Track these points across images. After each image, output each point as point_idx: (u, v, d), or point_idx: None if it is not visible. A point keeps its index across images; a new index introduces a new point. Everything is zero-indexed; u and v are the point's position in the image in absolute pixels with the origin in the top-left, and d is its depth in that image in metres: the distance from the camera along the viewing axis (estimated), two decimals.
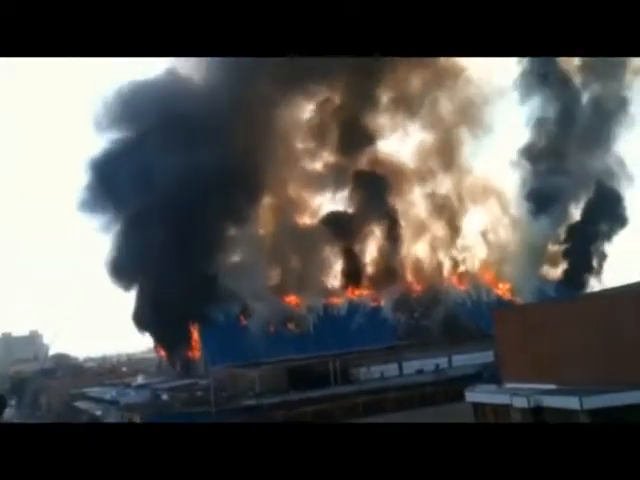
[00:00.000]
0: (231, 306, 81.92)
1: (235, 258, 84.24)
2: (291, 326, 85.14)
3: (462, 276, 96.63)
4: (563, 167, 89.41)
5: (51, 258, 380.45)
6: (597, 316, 28.53)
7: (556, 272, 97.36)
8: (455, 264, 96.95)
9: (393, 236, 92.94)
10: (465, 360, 60.13)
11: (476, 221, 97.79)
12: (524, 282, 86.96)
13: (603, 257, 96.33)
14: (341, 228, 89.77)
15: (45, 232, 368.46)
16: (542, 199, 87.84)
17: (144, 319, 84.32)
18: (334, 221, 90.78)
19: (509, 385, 31.82)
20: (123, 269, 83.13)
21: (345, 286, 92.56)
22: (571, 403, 26.89)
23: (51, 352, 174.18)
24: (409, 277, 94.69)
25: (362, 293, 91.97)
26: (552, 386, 28.84)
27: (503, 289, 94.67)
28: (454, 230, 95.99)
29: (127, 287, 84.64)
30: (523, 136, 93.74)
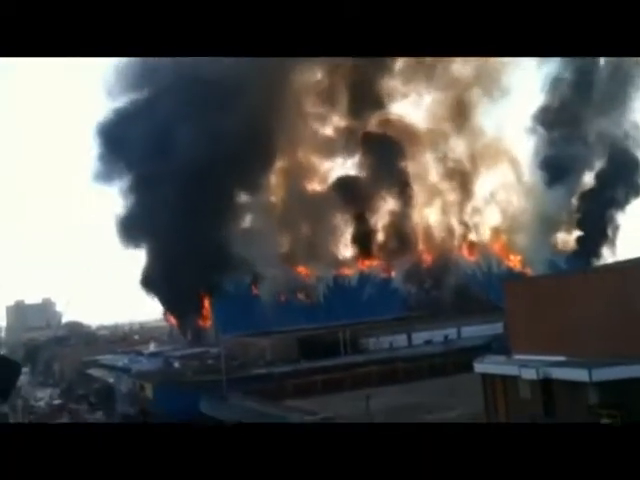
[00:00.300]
0: (242, 275, 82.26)
1: (246, 226, 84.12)
2: (302, 296, 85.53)
3: (473, 246, 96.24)
4: (578, 134, 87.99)
5: (64, 226, 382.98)
6: (609, 289, 28.43)
7: (568, 243, 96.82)
8: (466, 229, 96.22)
9: (404, 200, 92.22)
10: (474, 331, 60.31)
11: (489, 187, 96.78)
12: (535, 253, 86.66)
13: (617, 228, 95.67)
14: (352, 194, 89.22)
15: (59, 200, 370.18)
16: (556, 168, 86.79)
17: (155, 287, 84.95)
18: (345, 187, 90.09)
19: (518, 356, 31.90)
20: (134, 233, 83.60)
21: (356, 256, 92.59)
22: (580, 375, 26.94)
23: (64, 320, 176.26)
24: (420, 245, 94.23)
25: (373, 264, 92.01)
26: (561, 358, 28.89)
27: (514, 261, 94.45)
28: (466, 195, 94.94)
29: (137, 246, 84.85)
30: (539, 101, 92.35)
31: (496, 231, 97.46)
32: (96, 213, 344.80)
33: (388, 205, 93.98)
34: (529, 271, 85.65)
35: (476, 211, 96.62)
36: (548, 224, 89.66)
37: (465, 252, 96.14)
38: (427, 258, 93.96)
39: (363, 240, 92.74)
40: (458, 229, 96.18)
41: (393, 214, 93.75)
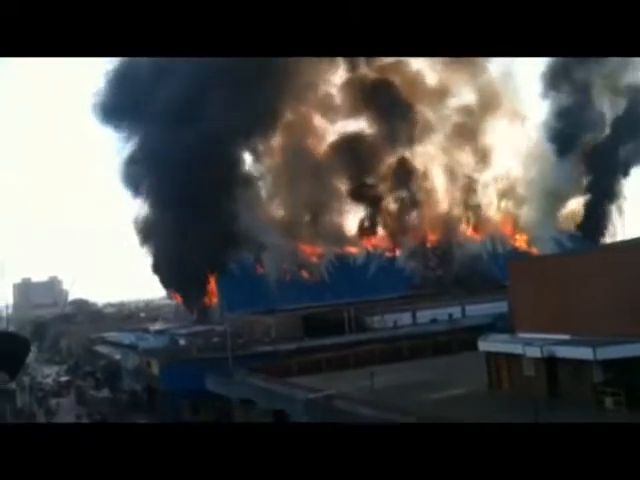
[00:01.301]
0: (247, 253, 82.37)
1: (252, 204, 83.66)
2: (306, 274, 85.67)
3: (479, 224, 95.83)
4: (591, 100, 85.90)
5: (70, 204, 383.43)
6: (614, 268, 28.39)
7: (575, 220, 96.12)
8: (472, 205, 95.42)
9: (407, 170, 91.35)
10: (479, 310, 60.39)
11: (497, 158, 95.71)
12: (541, 232, 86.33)
13: (622, 207, 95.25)
14: (357, 158, 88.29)
15: (65, 178, 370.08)
16: (565, 138, 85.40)
17: (161, 266, 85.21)
18: (349, 150, 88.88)
19: (522, 335, 31.97)
20: (141, 214, 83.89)
21: (361, 234, 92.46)
22: (584, 353, 27.02)
23: (70, 298, 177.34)
24: (425, 222, 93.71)
25: (377, 242, 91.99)
26: (566, 337, 28.94)
27: (520, 240, 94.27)
28: (476, 155, 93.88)
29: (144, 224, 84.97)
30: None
31: (502, 205, 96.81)
32: (103, 191, 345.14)
33: (392, 171, 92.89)
34: (535, 250, 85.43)
35: (484, 185, 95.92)
36: (555, 197, 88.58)
37: (470, 231, 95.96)
38: (432, 237, 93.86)
39: (370, 216, 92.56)
40: (464, 204, 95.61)
41: (396, 177, 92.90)
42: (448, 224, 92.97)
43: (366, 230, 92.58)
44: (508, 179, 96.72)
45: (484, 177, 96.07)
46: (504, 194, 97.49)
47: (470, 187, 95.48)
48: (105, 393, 66.66)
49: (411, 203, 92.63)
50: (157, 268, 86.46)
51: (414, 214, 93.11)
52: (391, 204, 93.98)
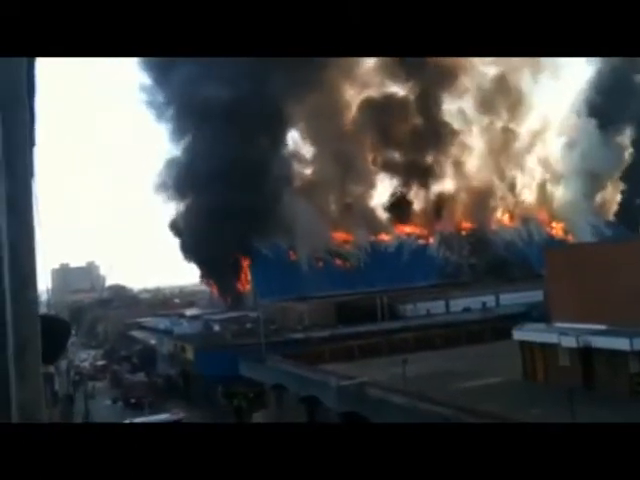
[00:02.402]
0: (281, 240, 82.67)
1: (286, 190, 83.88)
2: (339, 262, 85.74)
3: (514, 211, 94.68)
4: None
5: (109, 190, 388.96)
6: None
7: (612, 207, 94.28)
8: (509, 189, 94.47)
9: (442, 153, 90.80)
10: (513, 299, 59.79)
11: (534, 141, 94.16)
12: (578, 219, 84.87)
13: None
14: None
15: (103, 165, 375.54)
16: (608, 116, 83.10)
17: (195, 252, 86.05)
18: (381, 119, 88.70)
19: (558, 324, 31.59)
20: (177, 193, 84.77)
21: (394, 221, 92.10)
22: (621, 344, 26.61)
23: (107, 283, 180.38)
24: (459, 209, 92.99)
25: (411, 230, 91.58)
26: (602, 327, 28.52)
27: (556, 228, 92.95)
28: (509, 144, 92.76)
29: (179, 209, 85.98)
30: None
31: (540, 190, 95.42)
32: (139, 177, 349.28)
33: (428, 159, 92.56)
34: (571, 238, 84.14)
35: (518, 166, 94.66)
36: (595, 179, 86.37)
37: (506, 218, 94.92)
38: (466, 224, 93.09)
39: (401, 203, 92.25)
40: (500, 189, 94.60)
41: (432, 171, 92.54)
42: (483, 210, 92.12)
43: (399, 216, 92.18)
44: (547, 159, 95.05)
45: (523, 155, 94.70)
46: (543, 173, 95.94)
47: (509, 166, 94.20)
48: (140, 377, 67.86)
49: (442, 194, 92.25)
50: (191, 255, 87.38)
51: (448, 200, 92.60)
52: (425, 191, 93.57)
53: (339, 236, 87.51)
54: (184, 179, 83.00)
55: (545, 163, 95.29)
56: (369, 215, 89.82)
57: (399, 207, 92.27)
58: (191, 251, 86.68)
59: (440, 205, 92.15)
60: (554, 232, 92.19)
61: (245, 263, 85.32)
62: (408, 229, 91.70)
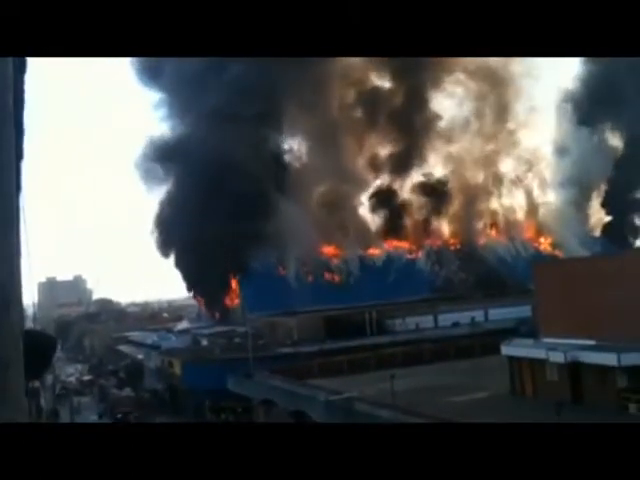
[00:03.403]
0: (269, 254, 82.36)
1: (275, 207, 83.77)
2: (329, 276, 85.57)
3: (502, 225, 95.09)
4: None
5: (95, 204, 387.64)
6: None
7: (600, 221, 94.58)
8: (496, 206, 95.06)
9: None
10: (502, 314, 59.87)
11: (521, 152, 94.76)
12: (567, 235, 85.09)
13: None
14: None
15: (91, 178, 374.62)
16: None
17: (183, 266, 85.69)
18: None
19: (546, 339, 31.62)
20: (164, 214, 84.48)
21: (383, 236, 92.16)
22: (608, 359, 26.66)
23: (94, 297, 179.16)
24: (448, 225, 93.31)
25: (399, 245, 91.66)
26: (590, 342, 28.57)
27: (544, 243, 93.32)
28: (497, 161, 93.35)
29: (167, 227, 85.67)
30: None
31: (528, 205, 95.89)
32: (127, 191, 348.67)
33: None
34: (559, 253, 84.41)
35: (507, 183, 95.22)
36: (583, 189, 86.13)
37: (494, 233, 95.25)
38: (454, 240, 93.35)
39: (392, 217, 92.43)
40: (488, 207, 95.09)
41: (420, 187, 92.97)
42: (472, 226, 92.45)
43: (389, 231, 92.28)
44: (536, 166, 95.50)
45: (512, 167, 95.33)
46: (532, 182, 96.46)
47: (496, 179, 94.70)
48: (127, 392, 67.27)
49: (434, 206, 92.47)
50: (180, 269, 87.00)
51: (437, 216, 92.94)
52: (414, 206, 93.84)
53: (328, 250, 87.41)
54: (172, 190, 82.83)
55: (534, 172, 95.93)
56: (360, 228, 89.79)
57: (389, 220, 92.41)
58: (180, 266, 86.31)
59: (429, 218, 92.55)
60: (542, 247, 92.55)
61: (234, 278, 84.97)
62: (397, 243, 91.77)
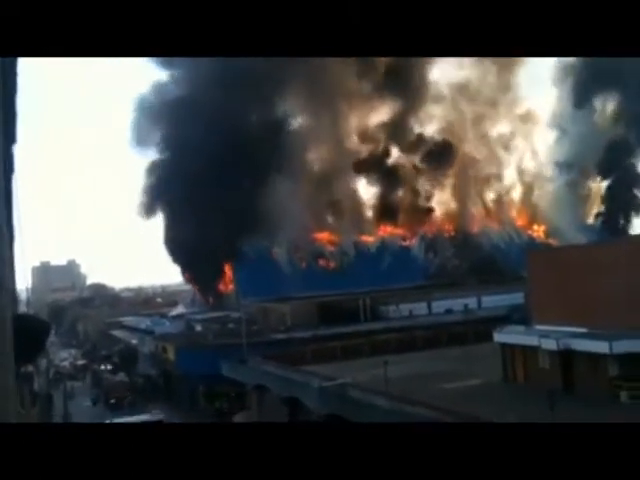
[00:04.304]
0: (263, 240, 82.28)
1: (269, 190, 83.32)
2: (323, 262, 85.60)
3: (499, 210, 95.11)
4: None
5: (90, 188, 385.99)
6: (633, 260, 28.04)
7: (593, 209, 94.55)
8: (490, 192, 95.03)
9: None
10: (494, 301, 60.09)
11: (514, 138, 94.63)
12: (560, 223, 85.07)
13: None
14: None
15: (85, 162, 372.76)
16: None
17: (177, 251, 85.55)
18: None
19: (539, 327, 31.73)
20: (157, 199, 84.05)
21: (377, 222, 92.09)
22: (600, 347, 26.76)
23: (88, 282, 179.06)
24: (442, 212, 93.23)
25: (393, 231, 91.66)
26: (583, 329, 28.67)
27: (538, 230, 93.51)
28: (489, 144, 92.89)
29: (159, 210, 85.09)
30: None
31: (523, 190, 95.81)
32: (122, 176, 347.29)
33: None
34: (553, 241, 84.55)
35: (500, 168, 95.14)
36: (577, 174, 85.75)
37: (488, 220, 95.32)
38: (449, 226, 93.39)
39: (385, 204, 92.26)
40: (481, 193, 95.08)
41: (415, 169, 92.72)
42: (465, 212, 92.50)
43: (383, 216, 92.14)
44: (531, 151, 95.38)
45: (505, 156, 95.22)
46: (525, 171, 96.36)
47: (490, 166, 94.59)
48: (121, 377, 67.32)
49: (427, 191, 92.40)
50: (174, 253, 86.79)
51: (431, 201, 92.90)
52: (408, 191, 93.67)
53: (323, 236, 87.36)
54: (169, 174, 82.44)
55: (531, 155, 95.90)
56: (355, 214, 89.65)
57: (384, 207, 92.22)
58: (174, 251, 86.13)
59: (424, 205, 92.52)
60: (536, 234, 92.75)
61: (228, 263, 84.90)
62: (391, 230, 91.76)
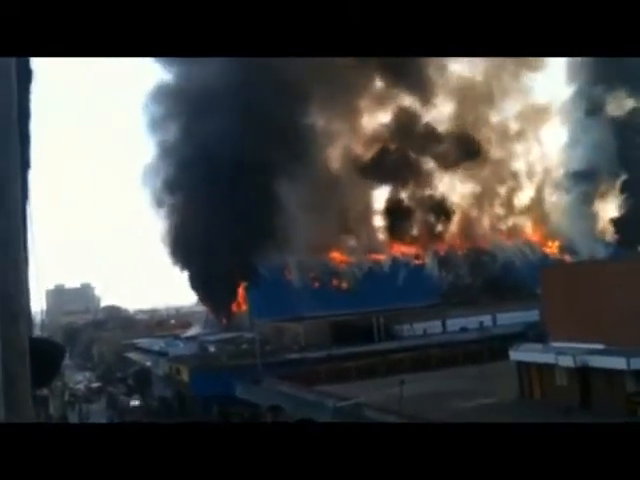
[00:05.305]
0: (277, 260, 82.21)
1: (282, 211, 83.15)
2: (336, 282, 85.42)
3: (510, 230, 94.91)
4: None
5: (103, 211, 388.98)
6: None
7: (609, 224, 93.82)
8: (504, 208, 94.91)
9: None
10: (510, 319, 59.61)
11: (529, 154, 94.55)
12: (575, 239, 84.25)
13: None
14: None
15: (98, 185, 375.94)
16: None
17: (190, 273, 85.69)
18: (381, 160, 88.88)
19: (555, 344, 31.48)
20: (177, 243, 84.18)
21: (389, 241, 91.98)
22: (618, 363, 26.51)
23: (102, 304, 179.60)
24: (455, 229, 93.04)
25: (406, 250, 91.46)
26: (599, 346, 28.41)
27: (552, 247, 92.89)
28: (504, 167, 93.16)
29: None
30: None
31: (534, 206, 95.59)
32: (135, 199, 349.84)
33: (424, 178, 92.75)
34: (567, 258, 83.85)
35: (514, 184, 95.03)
36: (591, 184, 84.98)
37: (502, 237, 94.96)
38: (462, 244, 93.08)
39: (397, 221, 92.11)
40: (495, 210, 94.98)
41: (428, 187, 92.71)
42: (478, 230, 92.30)
43: (395, 236, 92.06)
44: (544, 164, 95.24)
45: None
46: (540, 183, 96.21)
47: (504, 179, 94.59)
48: (136, 399, 67.24)
49: (441, 209, 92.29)
50: (188, 277, 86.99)
51: (444, 220, 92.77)
52: (421, 210, 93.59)
53: (336, 256, 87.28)
54: (180, 197, 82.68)
55: (542, 165, 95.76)
56: (368, 232, 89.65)
57: (396, 223, 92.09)
58: (187, 272, 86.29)
59: (436, 223, 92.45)
60: (550, 251, 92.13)
61: (241, 284, 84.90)
62: (404, 248, 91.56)
